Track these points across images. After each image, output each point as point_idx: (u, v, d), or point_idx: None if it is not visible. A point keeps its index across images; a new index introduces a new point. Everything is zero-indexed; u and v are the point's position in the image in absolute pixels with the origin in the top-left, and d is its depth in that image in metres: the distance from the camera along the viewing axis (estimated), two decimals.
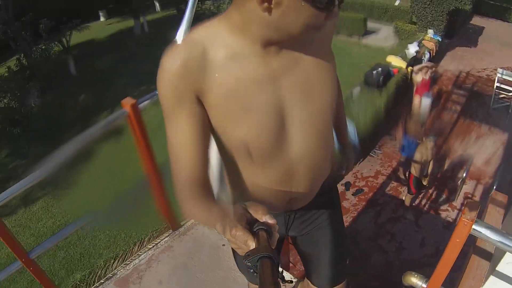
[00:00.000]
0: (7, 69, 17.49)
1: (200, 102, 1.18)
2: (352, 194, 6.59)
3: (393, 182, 6.91)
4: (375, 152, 7.61)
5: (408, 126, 6.55)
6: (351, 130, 5.92)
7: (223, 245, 2.93)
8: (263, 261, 0.86)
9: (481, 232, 1.68)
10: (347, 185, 6.78)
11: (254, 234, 0.91)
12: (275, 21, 1.07)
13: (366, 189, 6.72)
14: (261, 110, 1.21)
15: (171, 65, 1.15)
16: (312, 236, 1.75)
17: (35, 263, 2.65)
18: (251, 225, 0.93)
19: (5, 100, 14.86)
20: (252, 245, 0.89)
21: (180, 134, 1.20)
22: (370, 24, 18.18)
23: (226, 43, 1.16)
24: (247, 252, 0.89)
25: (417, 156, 5.77)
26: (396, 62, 8.97)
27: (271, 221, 0.93)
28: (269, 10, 1.04)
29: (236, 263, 1.91)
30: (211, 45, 1.16)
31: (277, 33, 1.11)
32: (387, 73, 8.20)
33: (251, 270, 0.88)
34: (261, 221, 0.94)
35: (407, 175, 6.15)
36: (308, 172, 1.41)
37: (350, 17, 17.74)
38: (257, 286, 2.22)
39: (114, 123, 2.64)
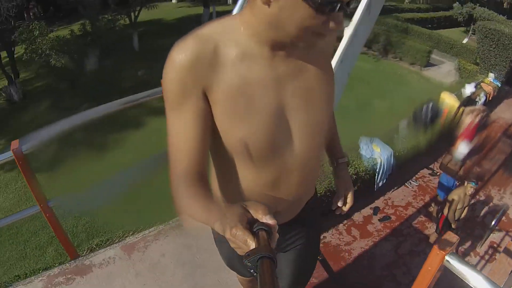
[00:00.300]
0: (70, 31, 18.05)
1: (205, 97, 1.18)
2: (379, 220, 6.58)
3: (421, 216, 6.85)
4: (410, 183, 7.58)
5: (445, 165, 6.55)
6: (388, 153, 5.95)
7: None
8: (263, 261, 0.86)
9: (453, 265, 1.73)
10: (376, 210, 6.79)
11: (254, 234, 0.91)
12: (274, 16, 1.08)
13: (393, 217, 6.70)
14: (264, 112, 1.22)
15: (181, 57, 1.14)
16: (286, 255, 1.75)
17: (52, 212, 2.83)
18: (251, 224, 0.94)
19: (63, 61, 15.31)
20: (252, 245, 0.89)
21: (182, 129, 1.19)
22: (434, 56, 17.96)
23: (238, 42, 1.18)
24: (247, 252, 0.89)
25: (454, 197, 5.73)
26: (449, 99, 8.88)
27: (271, 221, 0.93)
28: (268, 2, 1.06)
29: (223, 259, 1.93)
30: (223, 42, 1.17)
31: (277, 32, 1.12)
32: (437, 112, 8.15)
33: (251, 270, 0.89)
34: (262, 221, 0.94)
35: (439, 215, 6.13)
36: (298, 183, 1.42)
37: (415, 47, 17.60)
38: (243, 278, 2.21)
39: (151, 98, 2.83)
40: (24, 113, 14.78)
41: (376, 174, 6.71)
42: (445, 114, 8.44)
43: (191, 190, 1.14)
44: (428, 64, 17.66)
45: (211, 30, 1.19)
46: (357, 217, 6.58)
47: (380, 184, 6.92)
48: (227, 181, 1.42)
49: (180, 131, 1.19)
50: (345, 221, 6.41)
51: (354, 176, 6.30)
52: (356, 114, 11.92)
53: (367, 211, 6.80)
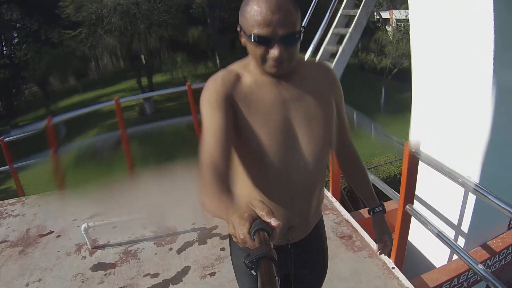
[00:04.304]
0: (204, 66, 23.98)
1: (231, 106, 1.43)
2: None
3: None
4: None
5: None
6: None
7: None
8: (264, 261, 0.88)
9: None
10: None
11: (255, 233, 0.94)
12: (248, 50, 1.42)
13: None
14: (273, 124, 1.46)
15: (215, 79, 1.46)
16: (301, 276, 1.80)
17: None
18: (253, 221, 0.97)
19: None
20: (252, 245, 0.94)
21: (212, 125, 1.39)
22: None
23: (251, 72, 1.50)
24: (247, 252, 0.91)
25: None
26: None
27: (275, 223, 0.96)
28: (240, 37, 1.43)
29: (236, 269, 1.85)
30: (242, 73, 1.49)
31: (255, 61, 1.44)
32: None
33: (251, 270, 0.91)
34: (267, 221, 0.97)
35: None
36: (305, 195, 1.60)
37: None
38: None
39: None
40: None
41: None
42: None
43: (212, 183, 1.26)
44: None
45: (235, 66, 1.54)
46: None
47: None
48: (244, 183, 1.57)
49: (210, 127, 1.40)
50: None
51: None
52: None
53: None
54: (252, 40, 1.34)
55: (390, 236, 1.97)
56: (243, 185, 1.58)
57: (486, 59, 3.19)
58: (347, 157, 1.85)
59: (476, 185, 2.56)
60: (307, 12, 6.63)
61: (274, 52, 1.34)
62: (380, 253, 2.00)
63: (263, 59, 1.39)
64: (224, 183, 1.27)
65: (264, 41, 1.33)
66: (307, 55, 6.46)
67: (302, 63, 1.58)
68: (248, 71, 1.50)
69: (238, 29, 1.42)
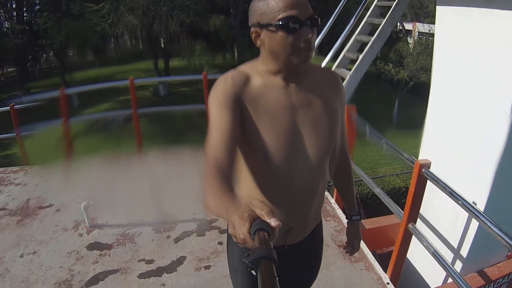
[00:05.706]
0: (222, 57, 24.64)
1: (240, 107, 1.45)
2: None
3: None
4: None
5: None
6: None
7: None
8: (264, 261, 0.88)
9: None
10: None
11: (255, 233, 0.94)
12: (267, 48, 1.44)
13: None
14: (280, 127, 1.48)
15: (225, 79, 1.47)
16: (292, 279, 1.82)
17: None
18: (253, 221, 0.97)
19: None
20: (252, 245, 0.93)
21: (219, 124, 1.40)
22: None
23: (260, 74, 1.51)
24: (247, 252, 0.92)
25: None
26: None
27: (275, 223, 0.95)
28: (259, 44, 1.47)
29: (230, 263, 1.86)
30: (252, 74, 1.51)
31: (276, 58, 1.44)
32: None
33: (251, 270, 0.91)
34: (267, 221, 0.96)
35: None
36: (306, 199, 1.63)
37: None
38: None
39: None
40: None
41: None
42: None
43: (214, 181, 1.24)
44: None
45: (245, 67, 1.55)
46: None
47: None
48: (246, 184, 1.60)
49: (217, 125, 1.40)
50: None
51: None
52: None
53: None
54: (281, 24, 1.34)
55: (359, 242, 2.08)
56: (245, 185, 1.60)
57: (508, 86, 3.17)
58: (340, 165, 1.88)
59: (480, 212, 2.56)
60: (332, 15, 6.73)
61: (306, 34, 1.36)
62: (347, 253, 2.10)
63: (293, 49, 1.38)
64: (227, 182, 1.25)
65: (294, 23, 1.34)
66: (326, 59, 6.52)
67: (311, 67, 1.58)
68: (257, 73, 1.51)
69: (254, 30, 1.44)
